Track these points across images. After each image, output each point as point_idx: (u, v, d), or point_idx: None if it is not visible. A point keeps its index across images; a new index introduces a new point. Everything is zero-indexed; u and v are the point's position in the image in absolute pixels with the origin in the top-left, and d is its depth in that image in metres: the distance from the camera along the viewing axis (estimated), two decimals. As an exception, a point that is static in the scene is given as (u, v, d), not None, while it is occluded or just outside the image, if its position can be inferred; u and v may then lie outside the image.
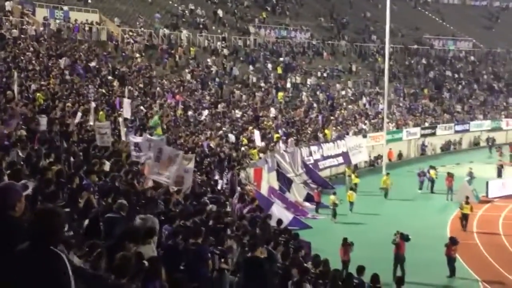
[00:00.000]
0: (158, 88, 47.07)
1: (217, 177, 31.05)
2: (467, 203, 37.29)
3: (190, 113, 45.50)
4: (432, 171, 47.11)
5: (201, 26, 64.37)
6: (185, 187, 22.47)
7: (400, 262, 27.38)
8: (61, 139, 22.86)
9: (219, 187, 29.72)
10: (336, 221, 37.74)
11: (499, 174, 48.05)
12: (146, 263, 9.59)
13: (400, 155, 61.31)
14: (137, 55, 52.53)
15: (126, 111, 33.34)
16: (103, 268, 9.06)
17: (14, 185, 6.77)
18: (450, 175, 45.18)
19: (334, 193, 39.51)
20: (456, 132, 69.33)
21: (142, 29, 57.93)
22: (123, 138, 28.76)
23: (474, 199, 42.62)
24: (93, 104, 31.73)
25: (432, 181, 46.45)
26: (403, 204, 41.35)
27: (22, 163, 16.87)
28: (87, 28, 52.19)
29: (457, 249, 28.79)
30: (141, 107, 39.74)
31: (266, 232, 20.70)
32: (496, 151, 62.10)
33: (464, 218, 36.93)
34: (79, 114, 29.12)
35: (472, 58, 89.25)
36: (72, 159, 20.08)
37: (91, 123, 29.35)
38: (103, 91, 40.20)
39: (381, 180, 44.73)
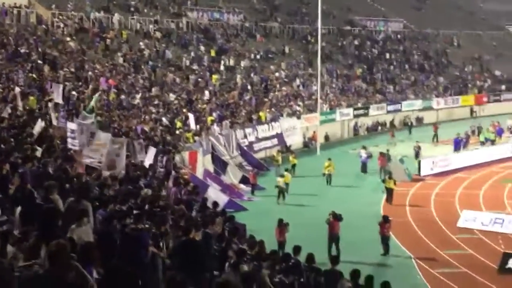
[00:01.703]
0: (90, 72, 46.42)
1: (152, 160, 30.82)
2: (390, 178, 38.76)
3: (123, 97, 45.04)
4: (363, 151, 47.62)
5: (132, 9, 63.68)
6: (118, 171, 22.31)
7: (335, 241, 27.75)
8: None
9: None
10: (283, 202, 37.90)
11: (417, 156, 48.32)
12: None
13: (326, 137, 60.89)
14: (68, 39, 51.69)
15: (57, 96, 32.83)
16: (43, 257, 8.91)
17: None
18: (382, 155, 45.84)
19: (282, 176, 39.68)
20: (388, 112, 70.21)
21: (73, 12, 57.01)
22: (54, 123, 28.37)
23: (407, 178, 43.44)
24: (17, 89, 31.08)
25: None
26: (337, 184, 41.73)
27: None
28: (15, 12, 51.11)
29: (390, 227, 29.31)
30: (73, 92, 39.15)
31: (203, 215, 20.68)
32: (388, 132, 62.22)
33: (388, 192, 38.20)
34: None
35: (403, 38, 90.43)
36: (2, 145, 19.72)
37: (20, 108, 28.87)
38: (34, 76, 39.46)
39: (324, 166, 43.33)
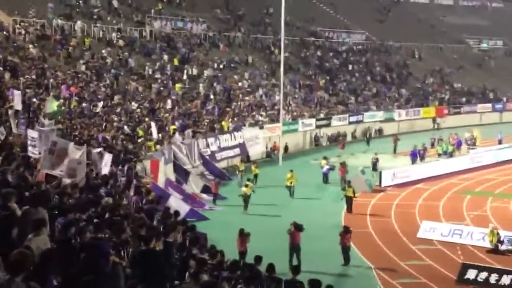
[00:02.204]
0: (51, 80, 46.00)
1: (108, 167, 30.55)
2: (349, 186, 39.50)
3: (84, 104, 44.69)
4: (323, 161, 47.78)
5: (95, 17, 63.35)
6: (78, 179, 22.10)
7: (296, 251, 27.81)
8: None
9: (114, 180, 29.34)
10: (247, 212, 37.98)
11: (374, 167, 48.39)
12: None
13: (286, 148, 60.20)
14: (30, 45, 51.22)
15: (17, 103, 32.46)
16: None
17: None
18: (343, 165, 46.14)
19: (246, 185, 39.67)
20: (350, 123, 70.60)
21: (35, 19, 56.54)
22: (14, 130, 28.06)
23: (368, 188, 43.70)
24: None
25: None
26: (299, 195, 41.73)
27: None
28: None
29: (351, 238, 29.46)
30: (34, 99, 38.76)
31: (164, 225, 20.56)
32: (339, 144, 62.10)
33: (348, 201, 38.83)
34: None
35: (365, 50, 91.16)
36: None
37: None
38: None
39: (286, 177, 42.67)
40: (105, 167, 29.01)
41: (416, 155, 52.85)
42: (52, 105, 34.93)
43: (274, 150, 57.65)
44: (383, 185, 45.26)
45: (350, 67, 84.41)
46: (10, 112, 30.93)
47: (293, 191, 42.05)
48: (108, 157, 29.76)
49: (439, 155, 55.68)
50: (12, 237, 10.09)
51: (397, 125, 74.88)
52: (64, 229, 13.79)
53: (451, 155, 55.39)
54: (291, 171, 42.92)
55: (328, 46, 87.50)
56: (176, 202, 33.16)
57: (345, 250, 28.95)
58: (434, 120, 79.53)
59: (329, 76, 79.59)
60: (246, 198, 38.44)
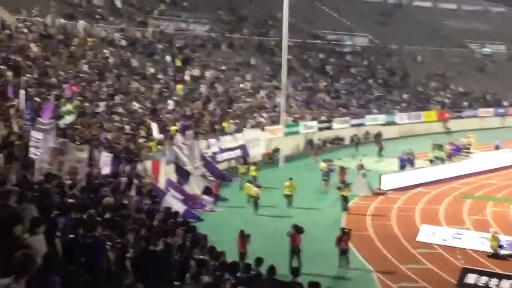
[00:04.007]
0: (53, 79, 46.03)
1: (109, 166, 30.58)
2: (346, 186, 40.04)
3: (86, 104, 44.73)
4: (323, 164, 47.69)
5: (98, 16, 63.42)
6: (79, 178, 22.15)
7: (296, 254, 27.83)
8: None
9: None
10: (257, 213, 38.13)
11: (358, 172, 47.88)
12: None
13: (276, 150, 57.69)
14: (32, 45, 51.23)
15: (20, 102, 32.52)
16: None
17: None
18: (342, 169, 46.15)
19: (258, 186, 39.66)
20: (352, 126, 70.47)
21: (38, 18, 56.58)
22: (15, 129, 28.10)
23: (369, 191, 43.72)
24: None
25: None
26: (299, 197, 41.63)
27: None
28: (-22, 16, 50.67)
29: (350, 240, 29.49)
30: (36, 98, 38.78)
31: (164, 225, 20.58)
32: (311, 151, 60.23)
33: (344, 200, 39.26)
34: None
35: (367, 53, 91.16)
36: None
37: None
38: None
39: (284, 186, 40.85)
40: (106, 167, 29.06)
41: (404, 161, 52.37)
42: (67, 108, 35.01)
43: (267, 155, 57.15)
44: (384, 188, 45.21)
45: (352, 70, 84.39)
46: (12, 111, 30.99)
47: (291, 200, 40.32)
48: (108, 157, 29.82)
49: (431, 161, 55.13)
50: (13, 237, 10.08)
51: (398, 128, 74.81)
52: (65, 229, 13.81)
53: (442, 161, 54.78)
54: (290, 179, 41.12)
55: (331, 48, 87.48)
56: (172, 202, 33.08)
57: (344, 252, 28.95)
58: (444, 124, 79.40)
59: (331, 79, 79.59)
60: (256, 200, 38.54)
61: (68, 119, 31.82)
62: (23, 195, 14.28)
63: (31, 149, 23.92)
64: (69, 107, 34.92)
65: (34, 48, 50.48)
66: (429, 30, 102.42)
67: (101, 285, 10.34)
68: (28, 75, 43.88)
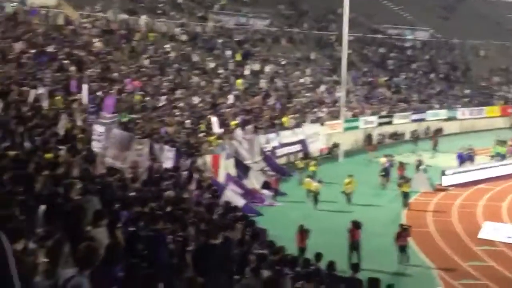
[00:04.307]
0: (116, 73, 46.66)
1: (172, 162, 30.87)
2: (406, 182, 39.49)
3: (147, 98, 45.24)
4: (383, 159, 47.33)
5: (159, 11, 63.97)
6: (140, 172, 22.39)
7: (356, 249, 27.67)
8: (17, 124, 22.52)
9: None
10: (317, 208, 38.03)
11: (417, 169, 47.05)
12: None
13: (335, 145, 57.60)
14: (95, 40, 51.97)
15: (83, 96, 33.04)
16: (65, 254, 8.93)
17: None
18: (402, 165, 45.67)
19: (319, 181, 39.68)
20: (413, 121, 69.72)
21: (100, 14, 57.38)
22: (79, 123, 28.54)
23: (430, 188, 43.22)
24: (41, 90, 31.20)
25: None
26: (359, 192, 41.31)
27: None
28: (43, 12, 51.49)
29: (410, 236, 29.20)
30: (99, 93, 39.39)
31: (223, 219, 20.69)
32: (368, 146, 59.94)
33: (404, 196, 38.88)
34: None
35: (429, 47, 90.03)
36: (28, 144, 19.84)
37: (46, 107, 29.05)
38: (60, 75, 39.77)
39: (344, 183, 40.26)
40: (168, 161, 29.32)
41: (463, 157, 51.48)
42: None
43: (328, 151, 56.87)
44: (445, 184, 44.64)
45: (413, 64, 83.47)
46: (75, 105, 31.49)
47: (351, 197, 39.77)
48: (171, 151, 30.08)
49: (492, 157, 54.20)
50: (80, 229, 10.24)
51: (459, 123, 73.73)
52: (128, 222, 13.98)
53: (503, 158, 53.72)
54: (350, 176, 40.56)
55: (391, 43, 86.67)
56: (231, 197, 33.20)
57: (403, 248, 28.68)
58: (508, 119, 78.00)
59: (392, 73, 78.86)
60: (316, 195, 38.51)
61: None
62: (86, 188, 14.50)
63: (94, 143, 24.30)
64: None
65: (96, 43, 51.21)
66: (493, 24, 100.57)
67: (162, 278, 10.43)
68: (91, 69, 44.59)
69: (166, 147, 31.56)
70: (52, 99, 31.69)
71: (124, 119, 36.09)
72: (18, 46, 41.72)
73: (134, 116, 38.75)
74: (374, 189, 43.79)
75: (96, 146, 24.07)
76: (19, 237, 7.56)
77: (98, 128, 25.22)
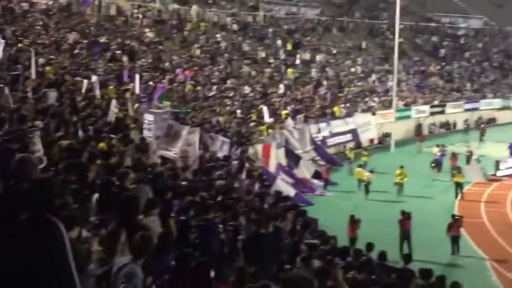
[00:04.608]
0: (167, 63, 46.99)
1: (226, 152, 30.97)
2: (459, 172, 38.81)
3: (199, 88, 45.48)
4: (435, 149, 46.85)
5: (210, 1, 64.17)
6: (191, 161, 22.48)
7: (407, 239, 27.46)
8: (71, 113, 22.79)
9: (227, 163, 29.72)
10: (368, 198, 37.92)
11: (468, 161, 46.33)
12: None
13: (386, 134, 57.89)
14: (147, 30, 52.39)
15: (135, 86, 33.34)
16: (122, 243, 9.03)
17: (30, 157, 6.80)
18: (454, 155, 45.05)
19: (372, 171, 39.63)
20: (466, 110, 68.82)
21: (152, 4, 57.79)
22: (131, 113, 28.78)
23: (483, 178, 42.65)
24: (94, 78, 31.52)
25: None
26: (410, 182, 40.93)
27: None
28: (96, 3, 52.07)
29: (463, 227, 28.84)
30: (150, 82, 39.71)
31: (274, 208, 20.70)
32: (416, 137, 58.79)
33: (458, 186, 38.30)
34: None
35: (482, 35, 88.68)
36: (81, 133, 20.05)
37: (98, 97, 29.37)
38: (112, 65, 40.21)
39: (395, 174, 39.66)
40: (222, 151, 29.42)
41: None
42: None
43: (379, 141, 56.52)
44: (498, 174, 44.00)
45: (466, 53, 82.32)
46: (127, 95, 31.77)
47: (402, 188, 39.09)
48: (226, 143, 30.18)
49: None
50: (133, 219, 10.32)
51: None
52: (180, 211, 14.07)
53: None
54: (402, 167, 39.87)
55: (444, 31, 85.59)
56: (282, 186, 33.15)
57: (455, 239, 28.37)
58: None
59: (444, 62, 77.91)
60: (367, 185, 38.38)
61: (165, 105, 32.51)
62: (138, 178, 14.63)
63: (144, 131, 24.49)
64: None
65: (148, 33, 51.61)
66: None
67: (214, 267, 10.49)
68: (142, 59, 44.96)
69: (222, 138, 31.65)
70: (105, 89, 32.02)
71: (180, 111, 36.28)
72: (72, 36, 42.28)
73: (189, 110, 38.94)
74: (426, 179, 43.35)
75: (145, 135, 24.24)
76: (73, 225, 7.67)
77: (148, 117, 25.41)
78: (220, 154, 29.47)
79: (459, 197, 38.08)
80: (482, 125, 62.10)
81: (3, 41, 27.74)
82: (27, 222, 5.66)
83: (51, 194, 5.90)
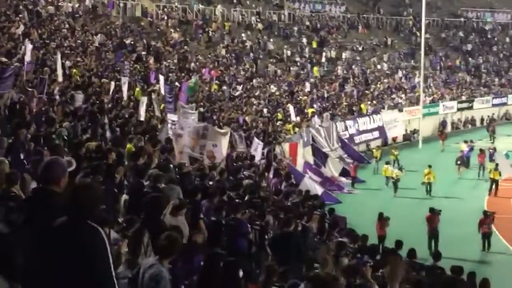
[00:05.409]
0: (193, 64, 47.11)
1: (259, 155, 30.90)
2: (496, 169, 38.26)
3: (225, 88, 45.54)
4: (463, 145, 46.46)
5: (235, 1, 64.21)
6: (218, 161, 22.50)
7: (434, 237, 27.26)
8: (98, 115, 22.91)
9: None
10: (397, 195, 37.73)
11: (491, 159, 45.72)
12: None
13: (414, 131, 57.75)
14: (172, 30, 52.56)
15: (161, 87, 33.43)
16: (145, 244, 9.06)
17: (59, 160, 6.85)
18: (482, 152, 44.49)
19: (400, 169, 39.51)
20: (494, 105, 68.22)
21: (176, 4, 57.94)
22: (157, 114, 28.88)
23: (512, 174, 42.28)
24: (123, 80, 31.66)
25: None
26: (439, 180, 40.51)
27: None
28: (121, 5, 52.34)
29: (492, 223, 28.55)
30: (176, 83, 39.81)
31: (301, 207, 20.66)
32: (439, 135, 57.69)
33: (494, 183, 37.91)
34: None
35: (510, 30, 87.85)
36: (109, 134, 20.17)
37: (125, 98, 29.53)
38: (138, 67, 40.39)
39: (423, 173, 38.49)
40: (256, 152, 29.40)
41: None
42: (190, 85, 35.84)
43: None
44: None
45: (493, 48, 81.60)
46: (153, 96, 31.88)
47: (430, 189, 38.16)
48: (260, 145, 30.16)
49: None
50: (160, 219, 10.36)
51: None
52: (209, 211, 14.08)
53: None
54: (430, 166, 38.93)
55: (471, 26, 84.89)
56: (310, 185, 33.08)
57: (486, 236, 28.12)
58: None
59: (471, 57, 77.29)
60: (396, 182, 38.22)
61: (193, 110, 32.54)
62: (168, 178, 14.67)
63: (169, 132, 24.56)
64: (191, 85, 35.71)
65: (173, 34, 51.77)
66: None
67: (243, 267, 10.48)
68: (168, 60, 45.10)
69: (257, 140, 31.58)
70: (132, 90, 32.16)
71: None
72: (98, 38, 42.50)
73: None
74: (455, 176, 43.05)
75: (170, 135, 24.30)
76: (101, 226, 7.70)
77: (171, 117, 25.47)
78: (257, 157, 29.36)
79: (490, 193, 37.66)
80: (493, 123, 61.33)
81: (31, 45, 28.01)
82: (66, 226, 5.72)
83: (94, 200, 5.95)
